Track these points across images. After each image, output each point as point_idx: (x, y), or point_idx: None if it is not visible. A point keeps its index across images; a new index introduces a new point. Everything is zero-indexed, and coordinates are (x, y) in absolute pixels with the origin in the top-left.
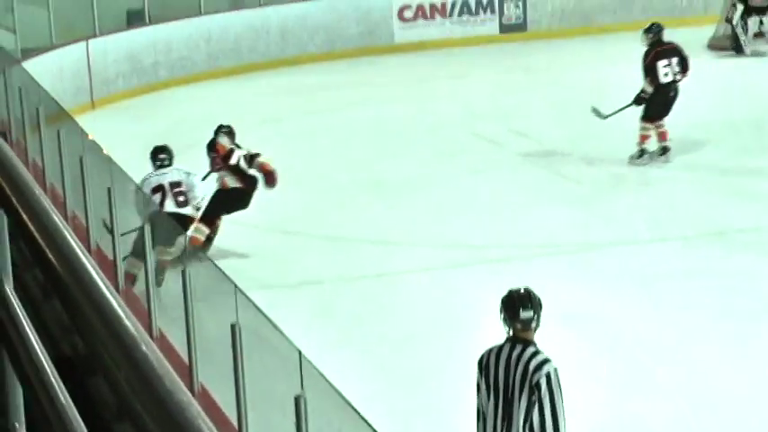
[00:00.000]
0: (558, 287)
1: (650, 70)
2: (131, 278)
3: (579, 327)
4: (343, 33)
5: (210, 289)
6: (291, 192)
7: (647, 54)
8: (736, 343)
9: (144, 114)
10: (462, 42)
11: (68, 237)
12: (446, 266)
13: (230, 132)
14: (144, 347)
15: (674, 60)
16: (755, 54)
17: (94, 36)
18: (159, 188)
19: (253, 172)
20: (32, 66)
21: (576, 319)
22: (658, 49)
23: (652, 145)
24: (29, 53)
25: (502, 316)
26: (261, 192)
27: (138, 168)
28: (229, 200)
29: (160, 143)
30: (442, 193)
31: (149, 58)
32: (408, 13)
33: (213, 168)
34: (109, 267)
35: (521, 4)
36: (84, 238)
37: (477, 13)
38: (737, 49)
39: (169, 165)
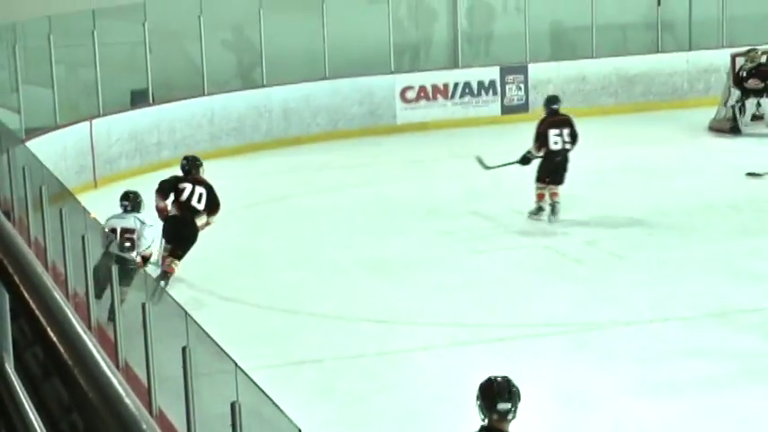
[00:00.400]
0: (559, 367)
1: (541, 136)
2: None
3: (580, 407)
4: (345, 114)
5: (211, 366)
6: (293, 270)
7: (541, 122)
8: (738, 424)
9: (147, 194)
10: (464, 123)
11: (69, 315)
12: (447, 345)
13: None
14: (144, 426)
15: (566, 131)
16: (753, 135)
17: (98, 116)
18: (113, 231)
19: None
20: (36, 145)
21: (576, 399)
22: (552, 119)
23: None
24: (33, 133)
25: (478, 403)
26: (262, 269)
27: None
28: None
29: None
30: (443, 273)
31: (152, 137)
32: (411, 94)
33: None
34: (110, 345)
35: (522, 85)
36: (86, 316)
37: (479, 94)
38: (734, 130)
39: (131, 211)
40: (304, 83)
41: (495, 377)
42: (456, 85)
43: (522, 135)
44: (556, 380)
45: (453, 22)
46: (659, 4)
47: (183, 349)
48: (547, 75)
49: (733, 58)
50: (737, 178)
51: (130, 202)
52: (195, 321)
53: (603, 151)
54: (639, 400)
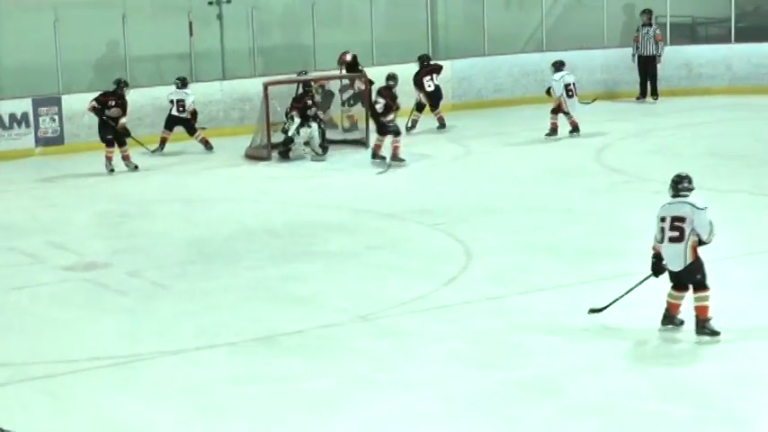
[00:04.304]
0: (107, 401)
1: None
2: None
3: None
4: None
5: None
6: None
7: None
8: None
9: None
10: None
11: None
12: None
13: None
14: None
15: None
16: (286, 161)
17: None
18: (171, 102)
19: None
20: None
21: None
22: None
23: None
24: None
25: None
26: None
27: None
28: None
29: None
30: None
31: None
32: None
33: None
34: None
35: (56, 117)
36: None
37: (11, 127)
38: (285, 155)
39: (181, 87)
40: None
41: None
42: None
43: (57, 166)
44: (103, 415)
45: None
46: (191, 34)
47: None
48: (82, 106)
49: (265, 86)
50: (275, 204)
51: (182, 81)
52: None
53: (145, 180)
54: (190, 429)
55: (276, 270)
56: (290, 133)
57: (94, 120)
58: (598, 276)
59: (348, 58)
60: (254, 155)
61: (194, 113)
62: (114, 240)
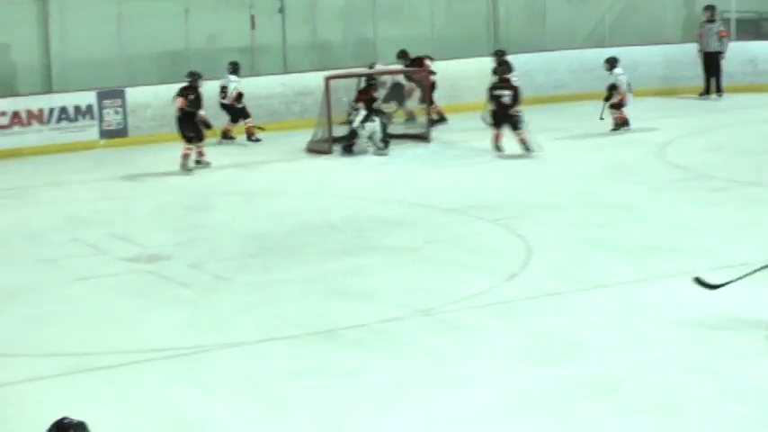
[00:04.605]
0: (167, 392)
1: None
2: None
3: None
4: None
5: None
6: None
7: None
8: None
9: None
10: (61, 149)
11: None
12: (53, 376)
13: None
14: None
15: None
16: (348, 156)
17: None
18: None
19: None
20: None
21: (188, 424)
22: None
23: None
24: None
25: None
26: None
27: None
28: None
29: None
30: (46, 302)
31: None
32: (3, 120)
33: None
34: None
35: (120, 110)
36: None
37: (75, 119)
38: (348, 149)
39: (231, 73)
40: None
41: (69, 419)
42: (52, 110)
43: (121, 160)
44: (164, 405)
45: (46, 46)
46: (253, 28)
47: None
48: (145, 99)
49: (327, 80)
50: (335, 198)
51: (233, 65)
52: None
53: (207, 174)
54: (251, 421)
55: (336, 264)
56: (354, 125)
57: (157, 112)
58: (660, 273)
59: (429, 63)
60: (315, 149)
61: (239, 99)
62: (176, 232)
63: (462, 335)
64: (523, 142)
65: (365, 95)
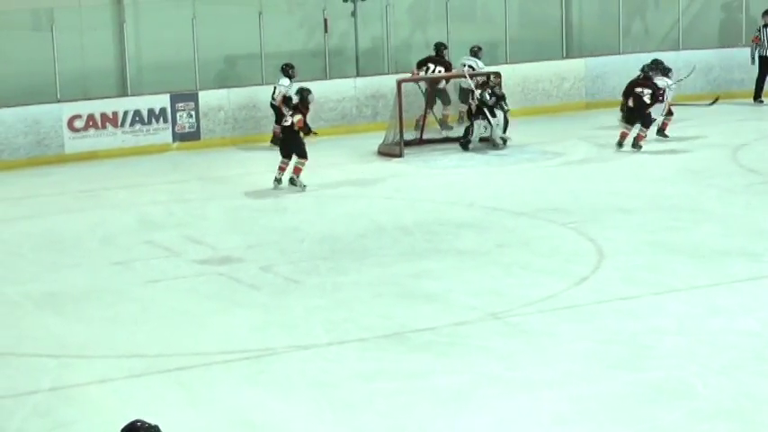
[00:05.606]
0: (238, 394)
1: None
2: None
3: None
4: (10, 144)
5: None
6: None
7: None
8: None
9: None
10: (135, 151)
11: None
12: (124, 377)
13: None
14: None
15: None
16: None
17: None
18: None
19: None
20: None
21: (257, 426)
22: None
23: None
24: None
25: None
26: None
27: None
28: None
29: None
30: (118, 304)
31: None
32: (79, 123)
33: None
34: None
35: (193, 113)
36: None
37: (149, 122)
38: (465, 146)
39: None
40: None
41: (142, 422)
42: (126, 113)
43: (193, 163)
44: (235, 407)
45: (121, 50)
46: (326, 31)
47: None
48: (218, 102)
49: (399, 83)
50: (406, 201)
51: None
52: None
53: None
54: (320, 424)
55: (407, 267)
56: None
57: (229, 115)
58: (733, 278)
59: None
60: (386, 152)
61: (285, 103)
62: (248, 235)
63: (532, 338)
64: (637, 141)
65: (483, 88)
